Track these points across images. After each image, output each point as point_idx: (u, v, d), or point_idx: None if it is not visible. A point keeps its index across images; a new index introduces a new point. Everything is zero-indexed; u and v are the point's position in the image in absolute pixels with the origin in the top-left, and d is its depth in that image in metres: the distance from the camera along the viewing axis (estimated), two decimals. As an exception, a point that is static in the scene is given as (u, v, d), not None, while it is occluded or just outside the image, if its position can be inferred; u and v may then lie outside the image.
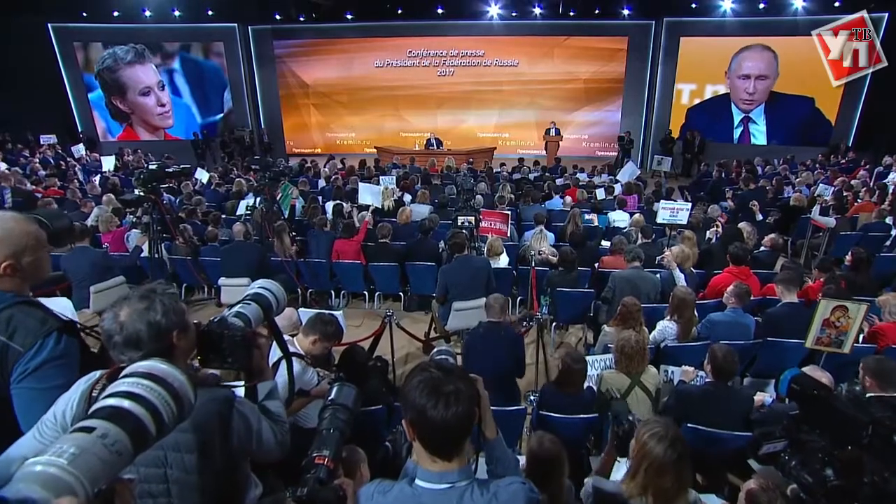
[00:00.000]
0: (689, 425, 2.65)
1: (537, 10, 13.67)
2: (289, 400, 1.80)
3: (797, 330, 3.57)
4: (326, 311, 2.81)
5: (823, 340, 3.07)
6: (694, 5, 13.08)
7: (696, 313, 3.73)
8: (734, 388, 2.98)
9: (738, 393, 2.93)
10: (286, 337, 2.64)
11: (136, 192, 5.55)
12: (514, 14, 13.99)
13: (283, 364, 2.13)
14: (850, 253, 4.74)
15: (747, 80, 13.44)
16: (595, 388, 3.11)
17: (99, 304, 4.51)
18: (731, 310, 3.71)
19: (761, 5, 12.64)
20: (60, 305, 3.82)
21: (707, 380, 2.89)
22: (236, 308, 1.51)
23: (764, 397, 3.07)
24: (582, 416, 2.82)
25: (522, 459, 2.29)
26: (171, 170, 5.89)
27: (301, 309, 3.21)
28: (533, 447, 2.10)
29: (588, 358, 3.33)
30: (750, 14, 12.79)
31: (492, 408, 2.64)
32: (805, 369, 2.60)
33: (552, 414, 2.79)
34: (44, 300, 4.17)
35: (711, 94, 13.92)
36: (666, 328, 3.68)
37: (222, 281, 4.85)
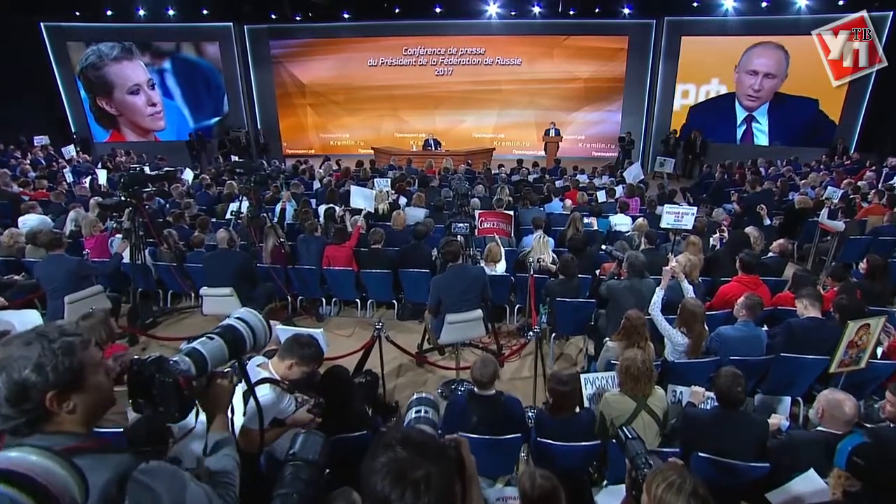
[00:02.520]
0: (700, 454, 2.44)
1: (536, 10, 13.45)
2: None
3: (817, 343, 3.36)
4: (305, 331, 2.59)
5: (846, 362, 2.85)
6: (695, 4, 12.84)
7: (706, 326, 3.50)
8: (747, 412, 2.75)
9: (752, 417, 2.70)
10: (262, 359, 2.44)
11: (119, 195, 5.36)
12: (513, 13, 13.79)
13: (262, 390, 1.94)
14: (865, 260, 4.51)
15: (755, 75, 13.18)
16: (594, 407, 2.90)
17: (74, 315, 4.27)
18: (741, 323, 3.49)
19: (764, 4, 12.40)
20: (28, 319, 3.62)
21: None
22: (194, 343, 1.33)
23: (779, 420, 2.86)
24: (582, 443, 2.60)
25: (517, 493, 2.08)
26: (154, 173, 5.70)
27: (279, 326, 2.98)
28: (526, 488, 1.90)
29: (587, 376, 3.12)
30: (752, 13, 12.56)
31: (484, 437, 2.39)
32: (825, 394, 2.38)
33: (551, 441, 2.57)
34: (12, 312, 3.93)
35: (714, 93, 13.68)
36: (676, 335, 3.46)
37: (204, 290, 4.62)
